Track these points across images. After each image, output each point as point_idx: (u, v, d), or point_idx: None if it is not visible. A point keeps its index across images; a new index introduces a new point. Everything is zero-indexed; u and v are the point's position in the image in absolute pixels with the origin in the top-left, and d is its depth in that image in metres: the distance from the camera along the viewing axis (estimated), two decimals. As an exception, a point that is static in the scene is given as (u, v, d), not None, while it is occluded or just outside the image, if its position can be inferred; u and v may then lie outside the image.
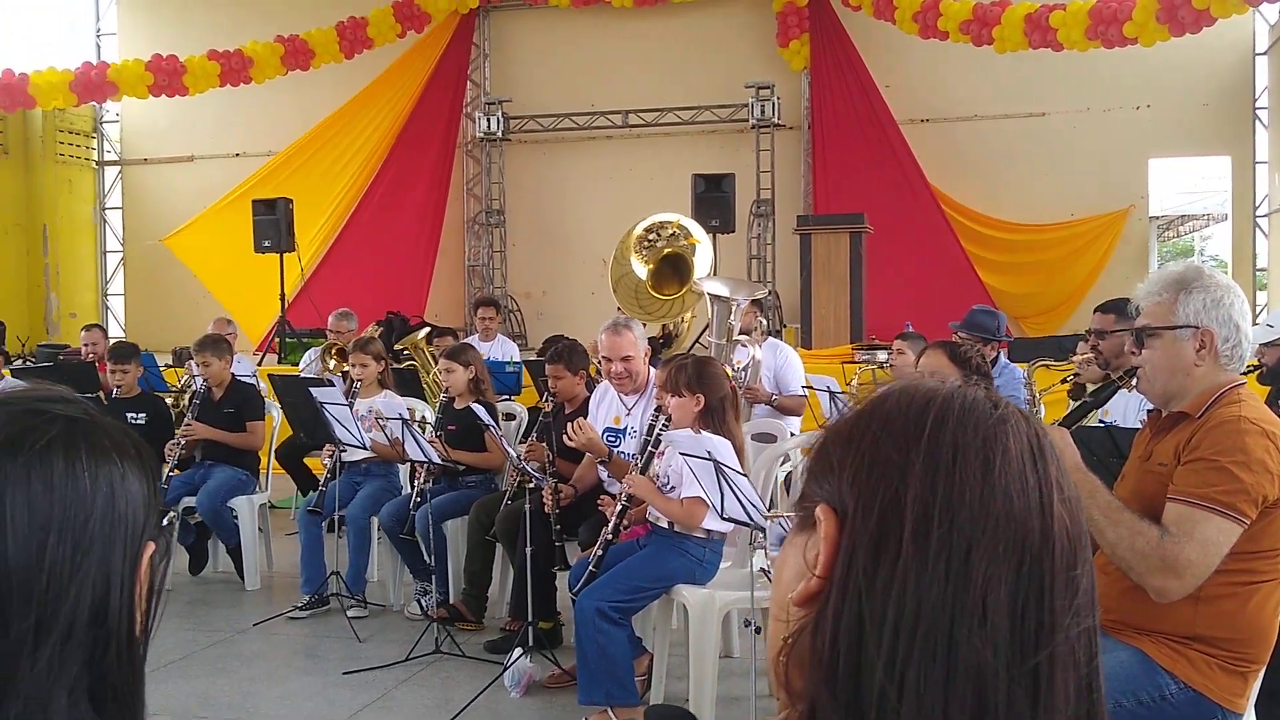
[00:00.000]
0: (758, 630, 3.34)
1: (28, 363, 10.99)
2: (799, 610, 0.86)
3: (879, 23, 12.03)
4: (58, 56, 13.14)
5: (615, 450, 4.76)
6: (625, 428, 4.89)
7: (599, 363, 5.15)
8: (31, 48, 13.93)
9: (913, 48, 12.09)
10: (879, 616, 0.80)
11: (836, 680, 0.81)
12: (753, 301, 6.43)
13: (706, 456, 3.28)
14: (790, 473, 5.05)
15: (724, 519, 3.47)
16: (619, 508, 4.00)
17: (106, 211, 15.73)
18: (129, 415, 6.47)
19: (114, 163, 15.65)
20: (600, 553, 3.95)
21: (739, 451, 3.96)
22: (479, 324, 9.34)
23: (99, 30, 15.38)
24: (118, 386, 6.64)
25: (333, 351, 8.48)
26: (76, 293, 15.26)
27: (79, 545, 0.94)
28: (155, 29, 14.61)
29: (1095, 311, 4.82)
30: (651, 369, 4.99)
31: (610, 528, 3.98)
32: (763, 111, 12.42)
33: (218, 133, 14.38)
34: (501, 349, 9.10)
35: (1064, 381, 5.23)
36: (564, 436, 4.58)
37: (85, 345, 8.75)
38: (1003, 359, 5.77)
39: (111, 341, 8.31)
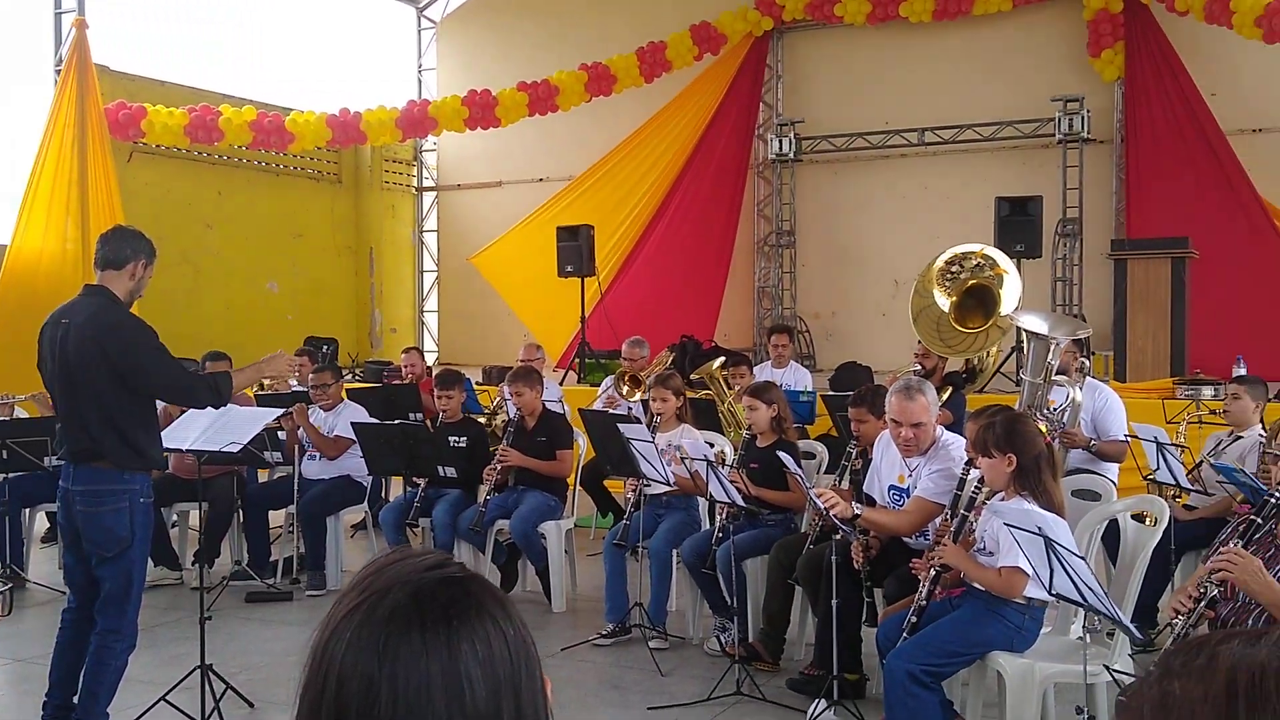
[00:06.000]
0: (1091, 718, 3.16)
1: (356, 375, 12.04)
2: None
3: (1206, 27, 11.07)
4: (385, 92, 14.31)
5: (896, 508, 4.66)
6: (908, 488, 4.73)
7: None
8: (360, 83, 15.21)
9: (1245, 52, 11.05)
10: None
11: None
12: (1073, 340, 6.08)
13: (1036, 532, 3.13)
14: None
15: (1052, 595, 3.30)
16: (932, 573, 3.89)
17: (424, 234, 16.97)
18: (451, 438, 6.96)
19: (431, 189, 16.87)
20: (914, 619, 3.85)
21: (1059, 511, 3.77)
22: (772, 350, 9.38)
23: (420, 66, 16.62)
24: (443, 411, 7.17)
25: (626, 379, 8.77)
26: (397, 309, 16.56)
27: (519, 693, 1.03)
28: (470, 62, 15.63)
29: None
30: (939, 430, 4.78)
31: (923, 594, 3.87)
32: (1070, 126, 11.80)
33: (524, 159, 15.18)
34: (794, 376, 9.09)
35: None
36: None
37: (405, 366, 9.42)
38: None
39: (434, 366, 8.94)
